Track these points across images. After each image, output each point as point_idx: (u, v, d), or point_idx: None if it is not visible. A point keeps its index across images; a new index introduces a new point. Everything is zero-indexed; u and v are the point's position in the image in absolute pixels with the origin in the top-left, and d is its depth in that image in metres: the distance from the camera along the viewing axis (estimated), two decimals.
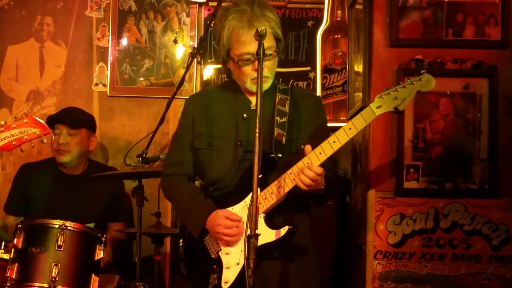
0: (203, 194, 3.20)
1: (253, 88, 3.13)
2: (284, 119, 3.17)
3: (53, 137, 4.66)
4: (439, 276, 3.46)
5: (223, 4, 3.29)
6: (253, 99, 3.17)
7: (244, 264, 3.00)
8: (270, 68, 3.16)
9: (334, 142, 2.99)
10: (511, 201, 3.46)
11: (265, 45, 2.99)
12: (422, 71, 3.01)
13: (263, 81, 3.03)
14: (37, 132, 3.30)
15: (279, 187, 3.02)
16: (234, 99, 3.26)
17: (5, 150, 3.28)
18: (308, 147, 3.00)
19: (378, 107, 2.98)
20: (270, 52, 3.10)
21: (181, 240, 3.31)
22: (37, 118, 3.31)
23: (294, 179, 2.99)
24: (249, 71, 3.12)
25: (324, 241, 4.29)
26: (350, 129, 2.98)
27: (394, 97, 2.99)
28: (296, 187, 3.00)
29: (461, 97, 3.48)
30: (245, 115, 3.19)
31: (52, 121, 4.63)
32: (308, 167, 2.94)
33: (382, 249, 3.48)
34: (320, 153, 2.98)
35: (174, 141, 3.40)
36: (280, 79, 3.30)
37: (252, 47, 3.01)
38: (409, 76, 3.42)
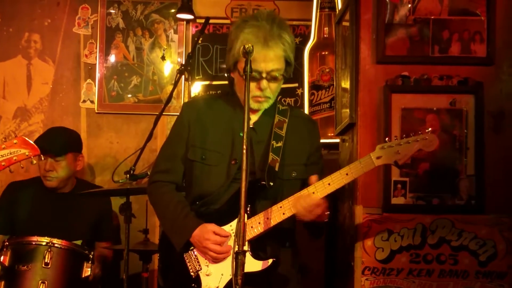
0: (189, 206, 3.19)
1: (254, 105, 3.13)
2: (280, 144, 3.17)
3: (40, 162, 4.62)
4: None
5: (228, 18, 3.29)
6: (252, 117, 3.18)
7: None
8: (273, 89, 3.15)
9: (329, 184, 3.01)
10: (498, 217, 3.47)
11: (275, 66, 3.06)
12: (428, 130, 3.04)
13: (264, 101, 3.14)
14: (27, 153, 3.29)
15: (267, 218, 3.02)
16: (233, 114, 3.24)
17: None
18: (314, 178, 3.05)
19: (378, 158, 3.01)
20: (277, 75, 3.10)
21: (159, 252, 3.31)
22: (27, 139, 3.31)
23: (284, 213, 3.00)
24: (253, 88, 3.07)
25: (313, 258, 4.28)
26: (347, 174, 3.01)
27: (396, 151, 3.01)
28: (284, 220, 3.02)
29: (447, 113, 3.49)
30: (242, 133, 3.17)
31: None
32: (307, 195, 2.98)
33: (370, 265, 3.47)
34: (314, 193, 3.00)
35: (165, 147, 3.35)
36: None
37: (262, 65, 3.02)
38: (395, 92, 3.47)
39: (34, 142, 4.61)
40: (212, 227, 3.06)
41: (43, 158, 4.54)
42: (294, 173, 3.17)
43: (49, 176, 4.63)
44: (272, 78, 3.09)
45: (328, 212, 3.07)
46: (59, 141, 4.68)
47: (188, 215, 3.13)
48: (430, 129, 3.07)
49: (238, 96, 3.22)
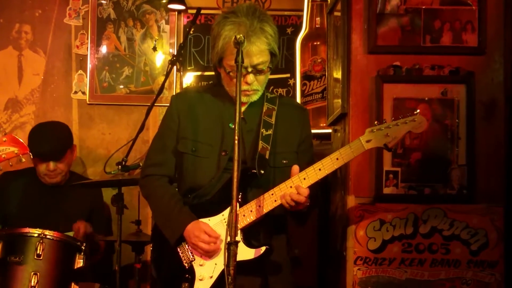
0: (182, 200, 3.19)
1: (243, 99, 3.12)
2: (269, 132, 3.17)
3: (39, 165, 4.62)
4: (419, 281, 3.47)
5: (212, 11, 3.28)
6: (241, 107, 3.17)
7: (216, 279, 3.02)
8: (261, 81, 3.17)
9: (319, 169, 3.01)
10: (489, 206, 3.48)
11: (260, 60, 3.06)
12: (416, 112, 3.04)
13: (252, 94, 3.15)
14: (16, 151, 3.31)
15: (259, 206, 3.03)
16: (222, 106, 3.24)
17: None
18: (295, 168, 3.01)
19: (367, 141, 3.02)
20: (263, 68, 3.11)
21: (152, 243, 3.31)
22: (17, 137, 3.33)
23: (275, 200, 3.00)
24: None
25: (306, 248, 4.29)
26: (337, 159, 3.01)
27: (385, 134, 3.01)
28: (276, 207, 3.02)
29: (439, 103, 3.50)
30: (231, 125, 3.16)
31: (38, 156, 4.57)
32: (296, 188, 2.96)
33: (362, 255, 3.48)
34: (305, 179, 3.00)
35: (156, 139, 3.35)
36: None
37: (246, 60, 2.98)
38: (387, 82, 3.47)
39: (29, 147, 4.64)
40: (204, 226, 3.06)
41: (31, 157, 4.55)
42: (285, 161, 3.16)
43: (53, 174, 4.63)
44: (258, 71, 3.11)
45: (308, 204, 3.07)
46: (57, 145, 4.65)
47: (182, 210, 3.14)
48: (418, 110, 3.07)
49: (226, 90, 3.22)
